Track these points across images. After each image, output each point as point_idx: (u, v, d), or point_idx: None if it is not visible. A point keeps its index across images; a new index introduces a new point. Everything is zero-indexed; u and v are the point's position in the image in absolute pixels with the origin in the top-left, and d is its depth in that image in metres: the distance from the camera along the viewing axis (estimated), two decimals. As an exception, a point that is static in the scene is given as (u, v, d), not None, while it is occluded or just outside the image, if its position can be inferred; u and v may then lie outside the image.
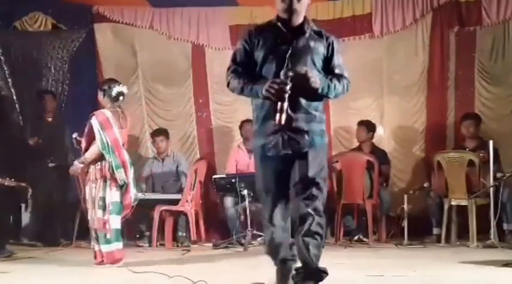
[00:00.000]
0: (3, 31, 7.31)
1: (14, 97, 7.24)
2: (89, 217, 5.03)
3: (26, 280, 4.47)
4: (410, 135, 7.47)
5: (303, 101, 3.32)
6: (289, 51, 3.30)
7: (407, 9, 7.37)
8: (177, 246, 6.64)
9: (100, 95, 5.16)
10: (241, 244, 6.27)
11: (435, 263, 4.92)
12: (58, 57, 7.46)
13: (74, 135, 5.53)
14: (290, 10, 3.32)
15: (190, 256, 5.87)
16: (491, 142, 6.06)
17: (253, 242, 6.39)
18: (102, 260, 4.94)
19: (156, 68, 7.81)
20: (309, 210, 3.27)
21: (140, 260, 5.35)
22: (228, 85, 3.48)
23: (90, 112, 5.08)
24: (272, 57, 3.35)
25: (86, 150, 5.06)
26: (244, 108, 7.73)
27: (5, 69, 7.21)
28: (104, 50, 7.78)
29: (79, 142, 5.23)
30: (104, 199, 4.92)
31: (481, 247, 5.96)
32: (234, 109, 7.73)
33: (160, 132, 7.25)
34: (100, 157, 4.96)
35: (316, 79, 3.26)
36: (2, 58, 7.21)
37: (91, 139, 5.00)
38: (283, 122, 3.18)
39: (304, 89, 3.25)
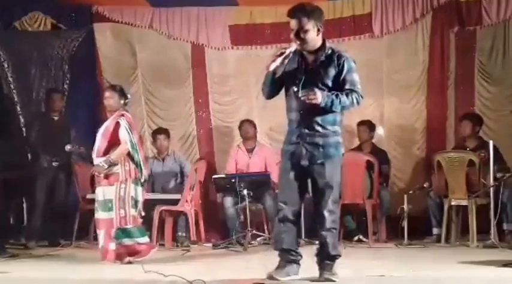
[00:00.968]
0: (2, 31, 7.29)
1: (15, 97, 7.23)
2: (112, 216, 5.12)
3: (26, 280, 4.46)
4: (410, 134, 7.46)
5: (318, 118, 3.87)
6: (303, 78, 3.90)
7: (407, 9, 7.36)
8: (177, 246, 6.61)
9: (116, 97, 5.33)
10: (241, 244, 6.26)
11: (435, 264, 4.92)
12: (58, 57, 7.45)
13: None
14: (300, 45, 3.86)
15: (189, 256, 5.86)
16: (491, 142, 6.06)
17: (252, 242, 6.39)
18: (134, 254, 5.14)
19: (155, 67, 7.80)
20: (324, 212, 3.90)
21: (139, 260, 5.34)
22: None
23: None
24: (291, 81, 3.93)
25: (107, 149, 5.19)
26: (244, 108, 7.75)
27: (5, 68, 7.20)
28: (104, 50, 7.77)
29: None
30: (134, 198, 5.18)
31: (481, 247, 5.95)
32: (234, 109, 7.73)
33: (161, 131, 7.23)
34: (122, 158, 5.17)
35: (317, 96, 3.74)
36: (1, 58, 7.20)
37: (115, 139, 5.19)
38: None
39: (317, 108, 3.79)
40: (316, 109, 3.83)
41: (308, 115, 3.87)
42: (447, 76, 7.36)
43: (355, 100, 3.87)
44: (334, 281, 3.88)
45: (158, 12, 7.75)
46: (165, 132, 7.22)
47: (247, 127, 7.17)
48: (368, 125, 7.14)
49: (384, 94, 7.53)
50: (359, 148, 7.19)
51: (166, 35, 7.77)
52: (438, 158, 6.42)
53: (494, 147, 6.13)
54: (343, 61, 3.88)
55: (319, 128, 3.88)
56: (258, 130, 7.33)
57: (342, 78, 3.88)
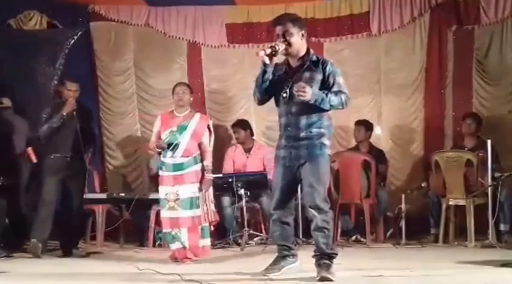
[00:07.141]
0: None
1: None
2: (198, 214, 5.30)
3: (25, 280, 4.44)
4: (408, 134, 7.45)
5: (304, 122, 4.04)
6: (290, 83, 4.04)
7: (405, 7, 7.35)
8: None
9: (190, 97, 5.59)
10: (238, 244, 6.25)
11: (433, 263, 4.90)
12: (53, 55, 7.40)
13: None
14: (286, 48, 4.02)
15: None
16: (489, 142, 6.05)
17: (250, 242, 6.36)
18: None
19: (151, 66, 7.77)
20: (313, 212, 4.01)
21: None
22: None
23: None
24: (280, 88, 4.10)
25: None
26: (241, 107, 7.72)
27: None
28: (100, 49, 7.75)
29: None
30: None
31: (479, 247, 5.94)
32: (231, 108, 7.69)
33: None
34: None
35: (306, 92, 3.86)
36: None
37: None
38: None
39: (305, 111, 3.99)
40: (303, 114, 4.02)
41: (295, 120, 4.06)
42: (445, 75, 7.35)
43: (343, 100, 4.00)
44: (331, 280, 3.89)
45: (154, 11, 7.72)
46: None
47: (237, 132, 7.08)
48: (365, 125, 7.12)
49: (382, 94, 7.52)
50: (356, 148, 7.17)
51: (162, 33, 7.74)
52: (436, 157, 6.41)
53: (492, 147, 6.12)
54: (328, 66, 4.06)
55: (304, 131, 4.04)
56: (256, 130, 7.30)
57: (328, 81, 4.04)
